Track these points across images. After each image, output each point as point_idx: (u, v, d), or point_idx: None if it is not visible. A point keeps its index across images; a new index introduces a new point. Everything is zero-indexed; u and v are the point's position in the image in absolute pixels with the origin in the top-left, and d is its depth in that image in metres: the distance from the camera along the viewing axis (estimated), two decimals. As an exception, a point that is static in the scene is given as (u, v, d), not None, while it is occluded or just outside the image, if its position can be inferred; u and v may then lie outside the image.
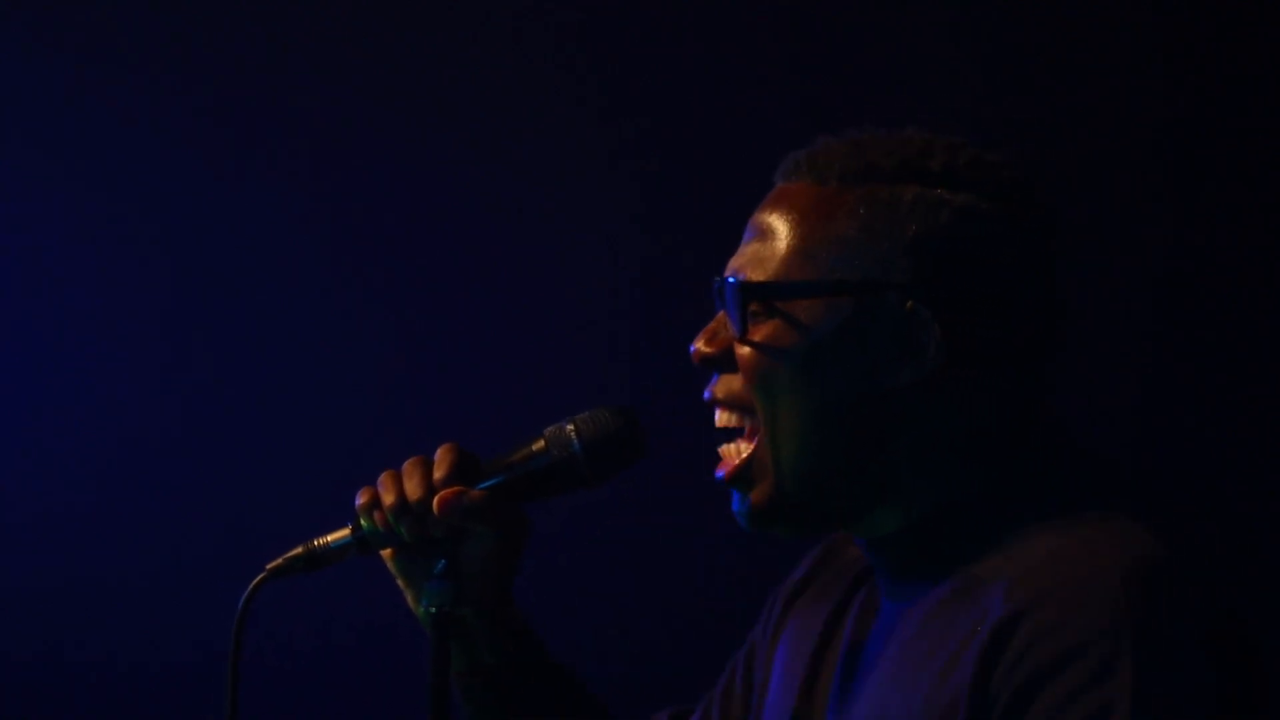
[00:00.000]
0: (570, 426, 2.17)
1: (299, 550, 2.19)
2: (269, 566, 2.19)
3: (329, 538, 2.20)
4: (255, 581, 2.17)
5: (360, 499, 2.19)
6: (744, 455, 2.05)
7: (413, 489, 2.16)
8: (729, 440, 2.08)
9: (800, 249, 2.03)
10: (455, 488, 2.16)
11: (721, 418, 2.08)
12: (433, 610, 2.14)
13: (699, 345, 2.08)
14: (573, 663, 2.33)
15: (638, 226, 3.57)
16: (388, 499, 2.17)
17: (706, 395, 2.09)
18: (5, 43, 3.71)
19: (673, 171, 3.55)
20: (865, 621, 2.11)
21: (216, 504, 3.65)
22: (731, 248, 2.11)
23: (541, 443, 2.18)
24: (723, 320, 2.07)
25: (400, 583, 2.24)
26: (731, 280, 2.05)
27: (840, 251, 2.02)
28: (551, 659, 2.31)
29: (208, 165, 3.69)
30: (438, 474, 2.17)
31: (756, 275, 2.04)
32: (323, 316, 3.65)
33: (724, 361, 2.06)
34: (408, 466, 2.19)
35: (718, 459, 2.10)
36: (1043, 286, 2.05)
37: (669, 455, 2.55)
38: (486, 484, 2.18)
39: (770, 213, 2.07)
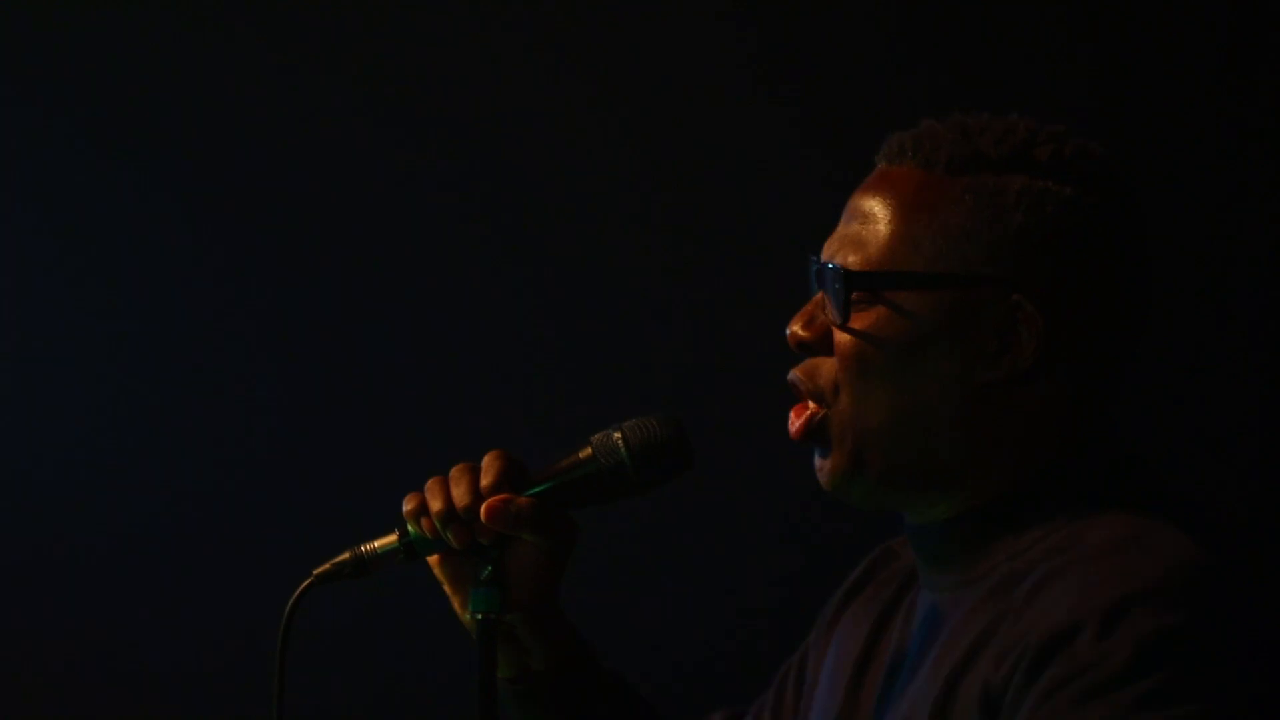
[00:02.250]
0: (617, 434, 2.16)
1: (346, 556, 2.18)
2: (316, 572, 2.18)
3: (376, 544, 2.19)
4: (302, 587, 2.17)
5: (407, 505, 2.18)
6: (816, 414, 2.05)
7: (460, 495, 2.16)
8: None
9: (905, 237, 2.03)
10: (502, 494, 2.15)
11: (799, 417, 2.08)
12: (479, 617, 2.14)
13: (796, 329, 2.08)
14: (622, 668, 2.33)
15: (682, 234, 3.56)
16: (435, 505, 2.16)
17: (791, 377, 2.08)
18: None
19: (714, 178, 3.54)
20: (911, 620, 2.12)
21: (261, 512, 3.65)
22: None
23: (588, 450, 2.17)
24: (819, 303, 2.07)
25: (447, 589, 2.23)
26: (834, 266, 2.04)
27: (945, 241, 2.02)
28: (601, 664, 2.30)
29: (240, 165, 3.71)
30: (485, 481, 2.16)
31: (858, 261, 2.04)
32: (376, 322, 3.66)
33: (819, 346, 2.06)
34: (455, 473, 2.18)
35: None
36: (1140, 284, 2.05)
37: (717, 463, 2.54)
38: (533, 491, 2.17)
39: (873, 196, 2.06)
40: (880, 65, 3.45)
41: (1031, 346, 2.00)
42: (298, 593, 2.17)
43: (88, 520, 3.69)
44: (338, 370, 3.67)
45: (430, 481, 2.19)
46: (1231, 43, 3.34)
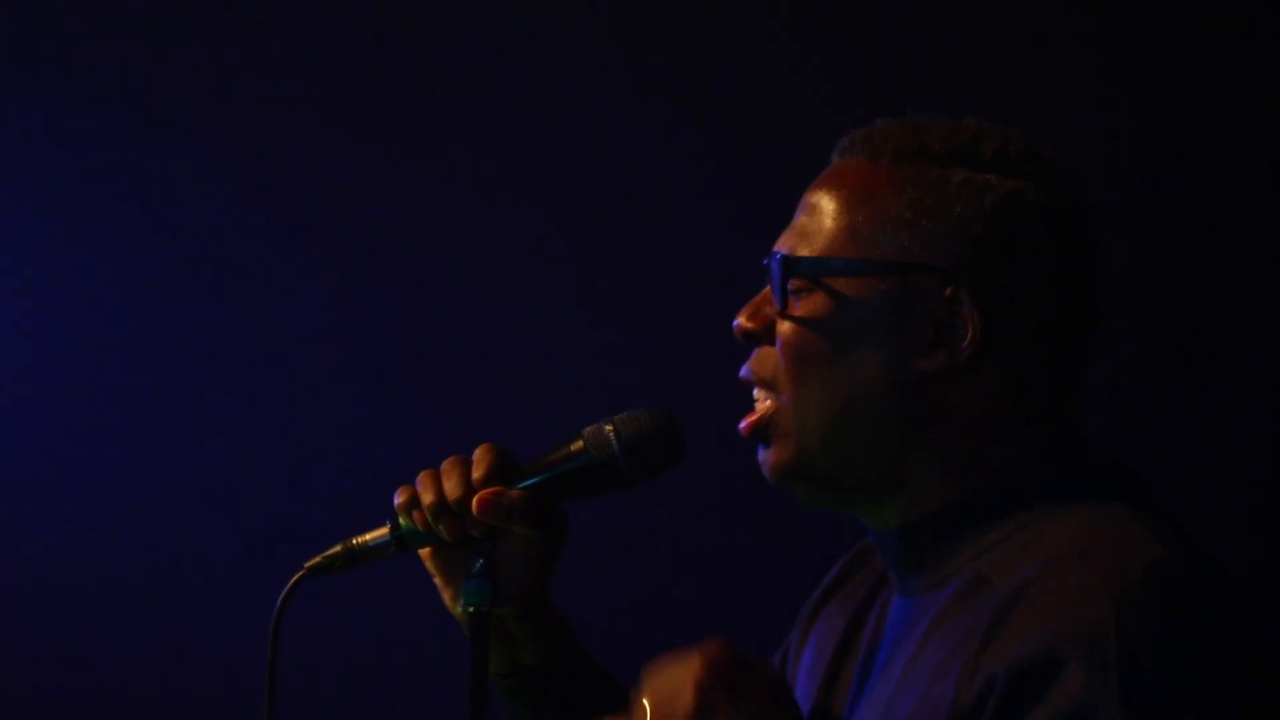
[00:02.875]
0: (609, 427, 2.16)
1: (337, 549, 2.18)
2: (307, 565, 2.18)
3: (367, 536, 2.19)
4: (293, 580, 2.17)
5: (399, 498, 2.18)
6: (765, 412, 2.06)
7: (451, 488, 2.15)
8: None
9: (845, 226, 2.04)
10: (494, 487, 2.15)
11: (758, 394, 2.08)
12: (470, 610, 2.14)
13: (741, 320, 2.09)
14: (612, 661, 2.32)
15: (675, 226, 3.56)
16: (426, 498, 2.16)
17: (743, 373, 2.10)
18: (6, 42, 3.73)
19: (708, 171, 3.55)
20: (882, 623, 2.11)
21: (253, 505, 3.65)
22: (757, 245, 2.11)
23: (580, 443, 2.17)
24: (767, 296, 2.08)
25: (438, 582, 2.23)
26: (777, 255, 2.05)
27: (884, 230, 2.02)
28: (591, 659, 2.30)
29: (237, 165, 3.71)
30: (476, 473, 2.16)
31: (803, 251, 2.05)
32: (368, 315, 3.66)
33: (764, 336, 2.07)
34: (446, 466, 2.18)
35: (750, 458, 2.10)
36: (1084, 281, 2.05)
37: (708, 457, 2.54)
38: (525, 484, 2.17)
39: (821, 189, 2.07)
40: (890, 70, 3.46)
41: (968, 338, 1.99)
42: (290, 585, 2.16)
43: (78, 511, 3.70)
44: (329, 364, 3.67)
45: (422, 474, 2.18)
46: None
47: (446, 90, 3.65)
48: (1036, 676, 1.83)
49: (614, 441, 2.15)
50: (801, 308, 2.04)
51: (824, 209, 2.06)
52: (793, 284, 2.04)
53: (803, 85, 3.51)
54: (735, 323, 2.09)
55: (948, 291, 2.00)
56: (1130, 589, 1.85)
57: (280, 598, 2.16)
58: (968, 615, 1.92)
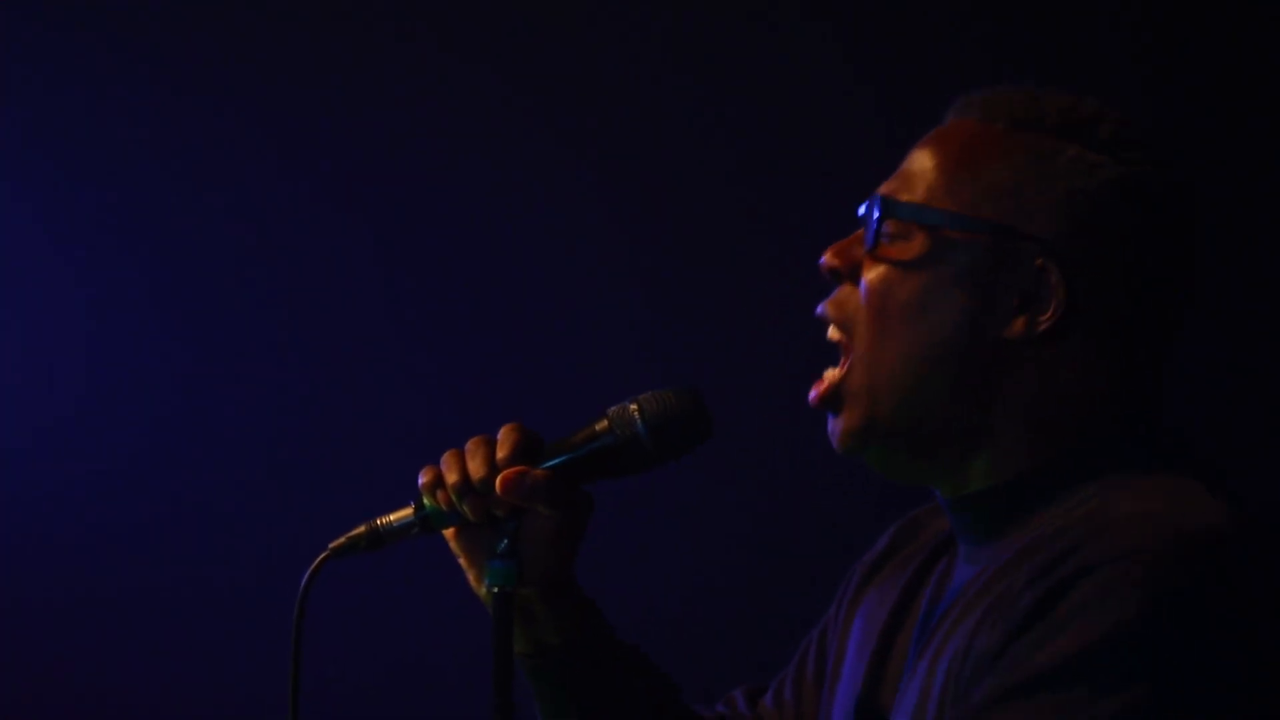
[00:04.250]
0: (634, 406, 2.15)
1: (361, 529, 2.17)
2: (331, 545, 2.17)
3: (392, 517, 2.18)
4: (318, 560, 2.16)
5: (423, 478, 2.17)
6: (835, 378, 2.05)
7: (476, 468, 2.15)
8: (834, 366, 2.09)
9: (950, 179, 2.04)
10: (518, 467, 2.14)
11: (831, 332, 2.09)
12: (495, 590, 2.13)
13: (827, 256, 2.09)
14: (639, 642, 2.32)
15: (703, 210, 3.56)
16: (451, 478, 2.15)
17: (819, 310, 2.10)
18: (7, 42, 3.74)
19: (740, 154, 3.54)
20: (942, 589, 2.11)
21: (279, 488, 3.66)
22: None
23: (605, 423, 2.16)
24: (857, 238, 2.08)
25: (462, 562, 2.22)
26: (876, 196, 2.05)
27: (988, 191, 2.02)
28: (617, 638, 2.29)
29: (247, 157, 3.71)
30: (501, 453, 2.15)
31: (903, 196, 2.05)
32: (385, 298, 3.66)
33: (848, 275, 2.07)
34: (471, 445, 2.17)
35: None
36: (1177, 271, 2.05)
37: (736, 435, 2.53)
38: (550, 464, 2.16)
39: (931, 142, 2.08)
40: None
41: (1051, 310, 2.00)
42: (314, 566, 2.16)
43: (111, 493, 3.71)
44: (355, 346, 3.67)
45: (446, 454, 2.18)
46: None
47: (474, 73, 3.65)
48: (1052, 597, 1.84)
49: (639, 421, 2.14)
50: (893, 252, 2.04)
51: (929, 161, 2.06)
52: (888, 226, 2.04)
53: (835, 76, 3.50)
54: (821, 260, 2.09)
55: (1038, 261, 2.00)
56: (1179, 550, 1.84)
57: (305, 578, 2.16)
58: (1023, 569, 1.91)
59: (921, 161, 2.06)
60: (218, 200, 3.72)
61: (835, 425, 2.07)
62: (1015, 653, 1.84)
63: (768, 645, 2.57)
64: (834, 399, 2.06)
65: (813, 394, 2.08)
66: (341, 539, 2.18)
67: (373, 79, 3.68)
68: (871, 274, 2.04)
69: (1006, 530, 2.01)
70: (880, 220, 2.04)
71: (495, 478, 2.14)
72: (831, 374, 2.07)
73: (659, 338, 3.54)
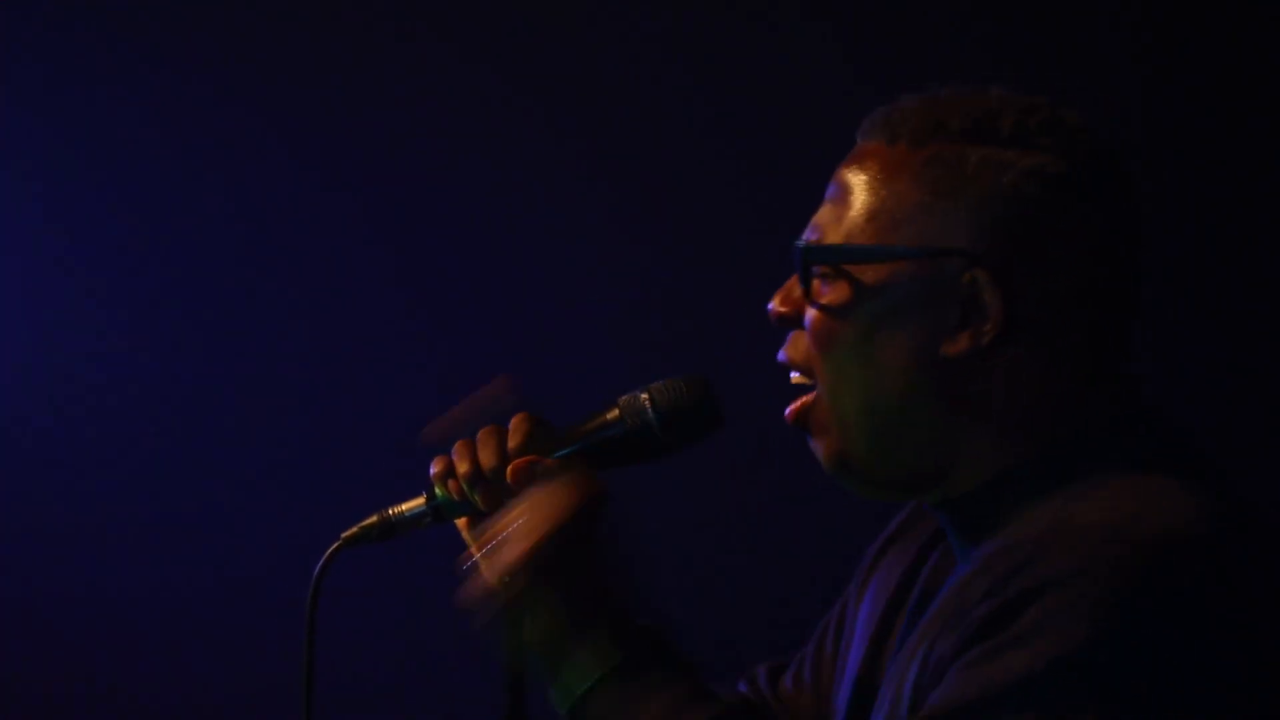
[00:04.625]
0: (644, 395, 2.15)
1: (373, 519, 2.18)
2: (344, 535, 2.18)
3: (403, 506, 2.19)
4: (330, 550, 2.17)
5: (434, 468, 2.17)
6: (805, 402, 2.05)
7: (487, 457, 2.14)
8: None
9: (866, 212, 2.01)
10: (529, 456, 2.14)
11: (795, 377, 2.08)
12: (507, 579, 2.13)
13: (774, 304, 2.07)
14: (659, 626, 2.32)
15: (717, 197, 3.56)
16: (462, 467, 2.15)
17: (780, 356, 2.08)
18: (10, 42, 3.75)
19: (744, 148, 3.55)
20: (936, 579, 2.11)
21: (290, 479, 3.66)
22: (789, 219, 2.11)
23: (616, 411, 2.16)
24: (792, 284, 2.06)
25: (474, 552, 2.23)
26: (798, 243, 2.04)
27: (905, 215, 1.99)
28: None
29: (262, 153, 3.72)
30: (512, 442, 2.15)
31: (821, 237, 2.03)
32: (396, 288, 3.67)
33: (796, 320, 2.05)
34: (482, 435, 2.17)
35: (782, 430, 2.10)
36: (1116, 250, 2.01)
37: (748, 422, 2.53)
38: (560, 453, 2.16)
39: (844, 172, 2.05)
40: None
41: (993, 320, 1.96)
42: (326, 556, 2.17)
43: (120, 486, 3.71)
44: (366, 336, 3.68)
45: (457, 444, 2.18)
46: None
47: (475, 72, 3.66)
48: (1012, 608, 1.82)
49: (649, 410, 2.14)
50: (827, 295, 2.02)
51: (846, 194, 2.03)
52: (817, 270, 2.02)
53: (831, 65, 3.51)
54: (769, 307, 2.08)
55: (967, 276, 1.96)
56: (1142, 554, 1.82)
57: (317, 569, 2.17)
58: (986, 575, 1.90)
59: (838, 195, 2.04)
60: (225, 194, 3.73)
61: (815, 447, 2.06)
62: (970, 663, 1.83)
63: (774, 633, 2.57)
64: (805, 421, 2.05)
65: (788, 411, 2.07)
66: (353, 529, 2.19)
67: (377, 76, 3.68)
68: (812, 320, 2.03)
69: (983, 534, 1.99)
70: (807, 267, 2.02)
71: (506, 467, 2.14)
72: (801, 398, 2.06)
73: (664, 332, 3.55)
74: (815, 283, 2.02)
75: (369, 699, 3.61)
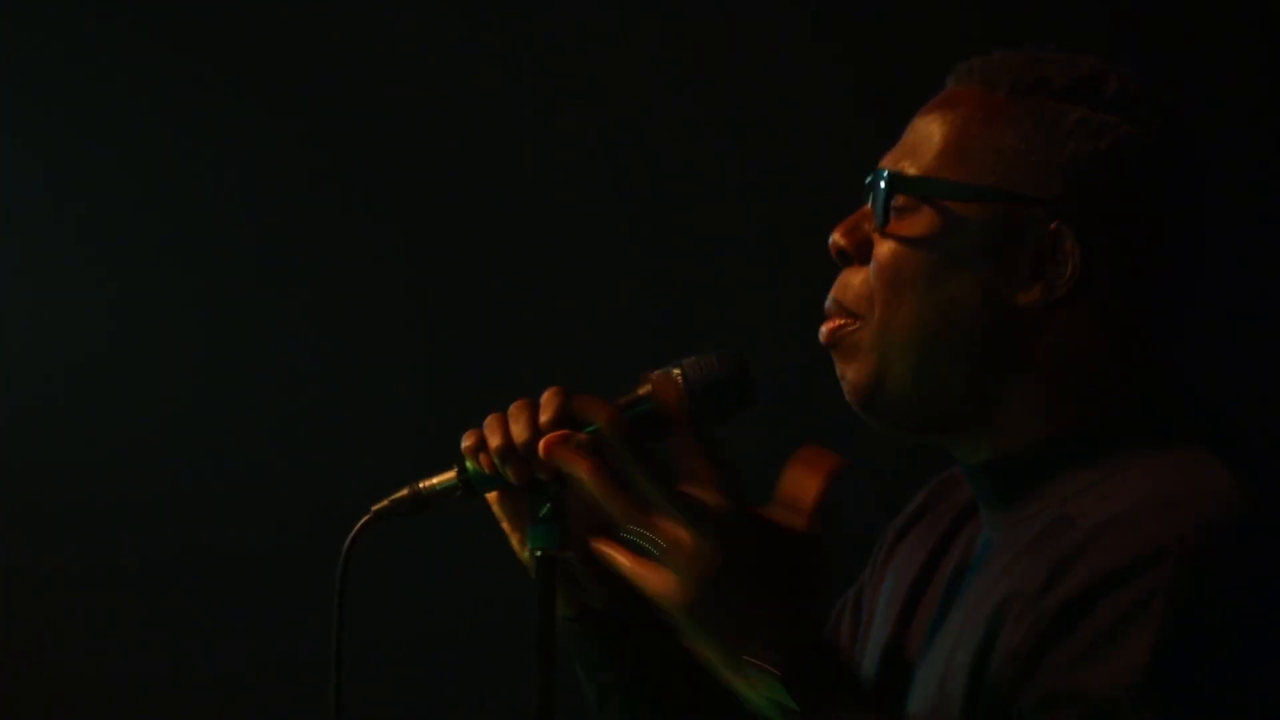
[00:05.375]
0: (677, 371, 2.13)
1: (404, 492, 2.16)
2: (374, 509, 2.16)
3: (434, 480, 2.17)
4: (360, 523, 2.16)
5: (466, 441, 2.16)
6: (846, 324, 2.04)
7: (519, 431, 2.13)
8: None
9: (956, 149, 2.01)
10: (561, 430, 2.12)
11: (834, 321, 2.07)
12: (538, 554, 2.12)
13: (836, 236, 2.07)
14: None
15: (748, 180, 3.57)
16: (493, 441, 2.14)
17: (828, 303, 2.07)
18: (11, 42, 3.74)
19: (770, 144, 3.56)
20: (970, 552, 2.10)
21: (321, 451, 3.66)
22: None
23: (648, 387, 2.14)
24: (865, 214, 2.06)
25: (505, 526, 2.22)
26: (881, 171, 2.03)
27: (996, 159, 2.00)
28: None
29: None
30: (544, 417, 2.13)
31: (910, 169, 2.03)
32: (427, 263, 3.67)
33: (857, 255, 2.05)
34: (514, 409, 2.15)
35: (826, 402, 2.09)
36: (1191, 230, 2.03)
37: (780, 400, 2.53)
38: (592, 428, 2.14)
39: (934, 111, 2.05)
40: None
41: (1067, 275, 1.98)
42: (356, 529, 2.15)
43: (154, 461, 3.71)
44: (398, 310, 3.68)
45: (489, 417, 2.16)
46: None
47: (477, 71, 3.66)
48: (1085, 601, 1.82)
49: (682, 385, 2.13)
50: (904, 227, 2.02)
51: (934, 131, 2.03)
52: (897, 201, 2.02)
53: (847, 62, 3.53)
54: (831, 239, 2.07)
55: (1052, 225, 1.98)
56: (1204, 538, 1.83)
57: (347, 542, 2.15)
58: (1043, 554, 1.90)
59: (925, 131, 2.05)
60: (242, 186, 3.73)
61: (844, 371, 2.06)
62: (1060, 668, 1.83)
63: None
64: (842, 343, 2.05)
65: (824, 328, 2.07)
66: (384, 502, 2.17)
67: (386, 73, 3.68)
68: (883, 249, 2.03)
69: (1025, 499, 2.00)
70: (890, 195, 2.02)
71: (538, 441, 2.12)
72: (841, 318, 2.06)
73: (702, 306, 3.56)
74: (893, 214, 2.02)
75: (397, 674, 3.60)
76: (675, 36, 3.62)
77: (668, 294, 3.59)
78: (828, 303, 2.09)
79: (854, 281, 2.06)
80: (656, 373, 2.16)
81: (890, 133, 2.16)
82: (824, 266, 2.13)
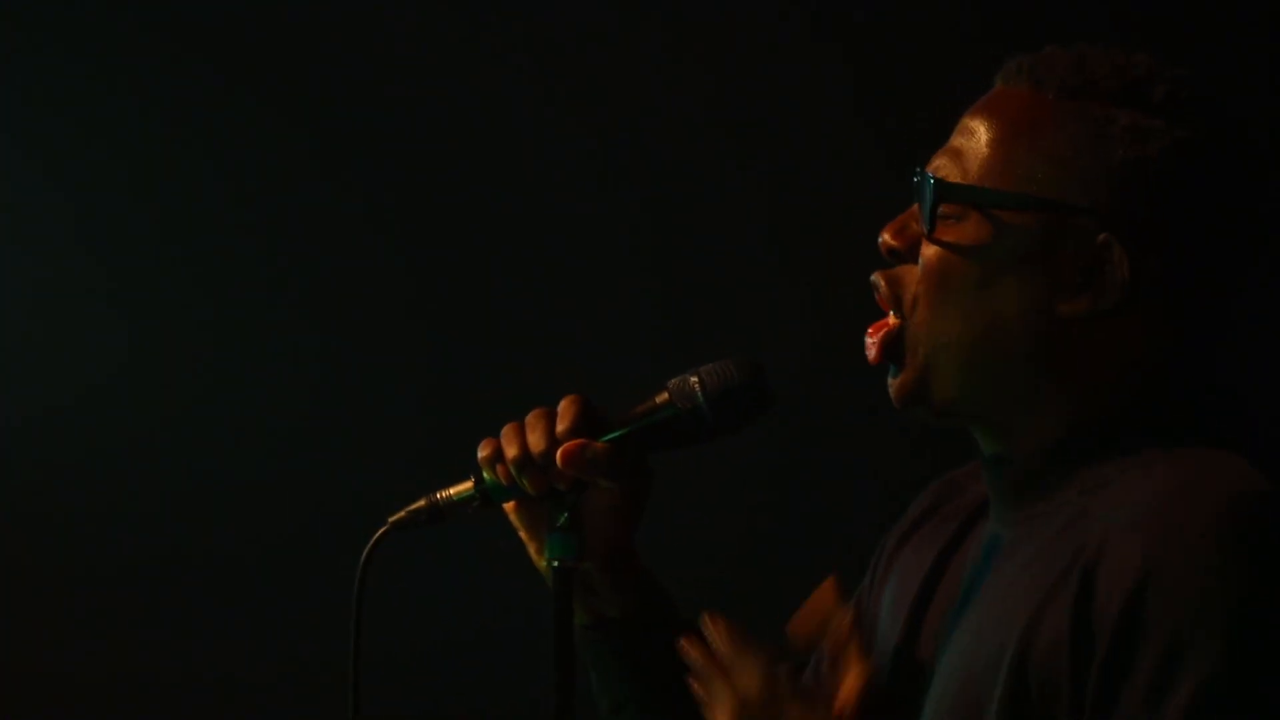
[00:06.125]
0: (694, 378, 2.13)
1: (421, 503, 2.16)
2: (391, 519, 2.16)
3: (451, 490, 2.16)
4: (377, 535, 2.15)
5: (483, 451, 2.15)
6: (894, 328, 2.02)
7: (536, 441, 2.12)
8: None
9: (1004, 156, 1.99)
10: (578, 440, 2.12)
11: (881, 321, 2.05)
12: (555, 564, 2.12)
13: (886, 236, 2.04)
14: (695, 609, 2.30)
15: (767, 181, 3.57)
16: (510, 451, 2.13)
17: (874, 277, 2.05)
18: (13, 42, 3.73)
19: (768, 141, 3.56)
20: (978, 558, 2.07)
21: (337, 461, 3.66)
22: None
23: (665, 395, 2.14)
24: (914, 213, 2.03)
25: (523, 536, 2.21)
26: (927, 176, 2.01)
27: (1043, 165, 1.97)
28: (678, 613, 2.27)
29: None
30: (561, 426, 2.13)
31: (952, 174, 2.00)
32: (442, 271, 3.67)
33: (907, 254, 2.03)
34: (531, 418, 2.15)
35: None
36: (1242, 238, 2.00)
37: (798, 408, 2.53)
38: (610, 436, 2.14)
39: (981, 114, 2.02)
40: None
41: (1115, 286, 1.95)
42: (374, 540, 2.15)
43: (171, 467, 3.71)
44: (405, 314, 3.67)
45: (506, 427, 2.15)
46: None
47: (481, 69, 3.66)
48: (1138, 604, 1.81)
49: (699, 393, 2.12)
50: (950, 233, 1.99)
51: (981, 134, 2.00)
52: (943, 209, 1.99)
53: (855, 65, 3.52)
54: (881, 237, 2.04)
55: (1101, 237, 1.95)
56: (1236, 521, 1.82)
57: (364, 553, 2.15)
58: (1067, 547, 1.89)
59: (973, 135, 2.01)
60: (251, 187, 3.72)
61: (894, 382, 2.03)
62: (1122, 695, 1.81)
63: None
64: (891, 351, 2.02)
65: (872, 352, 2.03)
66: (401, 513, 2.16)
67: (388, 71, 3.68)
68: (931, 256, 2.00)
69: (1043, 494, 1.98)
70: (936, 203, 1.99)
71: (555, 450, 2.12)
72: (881, 327, 2.03)
73: (715, 315, 3.55)
74: (939, 220, 2.00)
75: (413, 685, 3.60)
76: (675, 36, 3.61)
77: (673, 295, 3.58)
78: (874, 279, 2.05)
79: (905, 278, 2.03)
80: (674, 380, 2.16)
81: (896, 136, 2.16)
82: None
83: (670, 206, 3.61)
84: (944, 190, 2.00)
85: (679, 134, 3.59)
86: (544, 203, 3.65)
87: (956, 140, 2.03)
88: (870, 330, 2.05)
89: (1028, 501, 2.00)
